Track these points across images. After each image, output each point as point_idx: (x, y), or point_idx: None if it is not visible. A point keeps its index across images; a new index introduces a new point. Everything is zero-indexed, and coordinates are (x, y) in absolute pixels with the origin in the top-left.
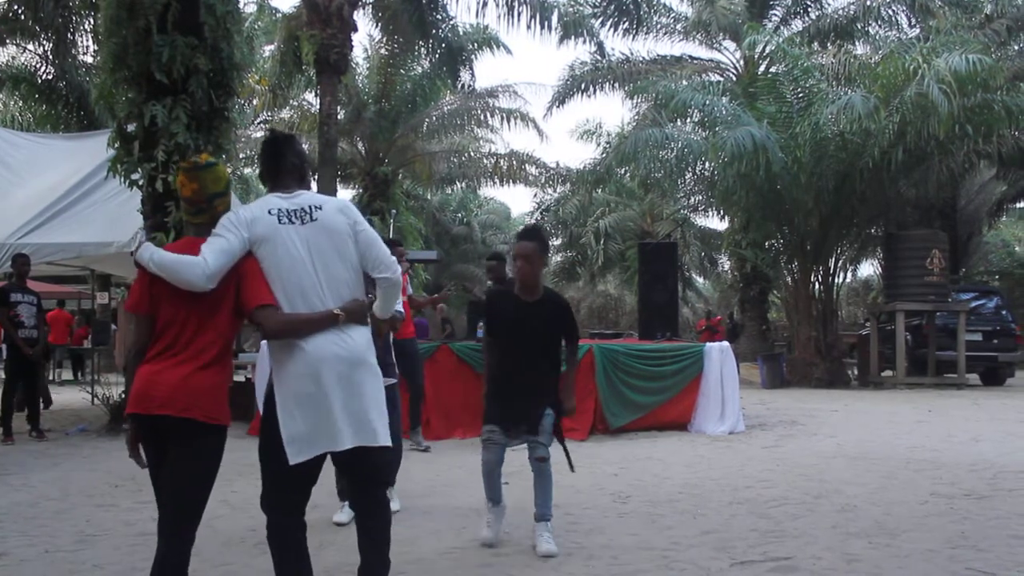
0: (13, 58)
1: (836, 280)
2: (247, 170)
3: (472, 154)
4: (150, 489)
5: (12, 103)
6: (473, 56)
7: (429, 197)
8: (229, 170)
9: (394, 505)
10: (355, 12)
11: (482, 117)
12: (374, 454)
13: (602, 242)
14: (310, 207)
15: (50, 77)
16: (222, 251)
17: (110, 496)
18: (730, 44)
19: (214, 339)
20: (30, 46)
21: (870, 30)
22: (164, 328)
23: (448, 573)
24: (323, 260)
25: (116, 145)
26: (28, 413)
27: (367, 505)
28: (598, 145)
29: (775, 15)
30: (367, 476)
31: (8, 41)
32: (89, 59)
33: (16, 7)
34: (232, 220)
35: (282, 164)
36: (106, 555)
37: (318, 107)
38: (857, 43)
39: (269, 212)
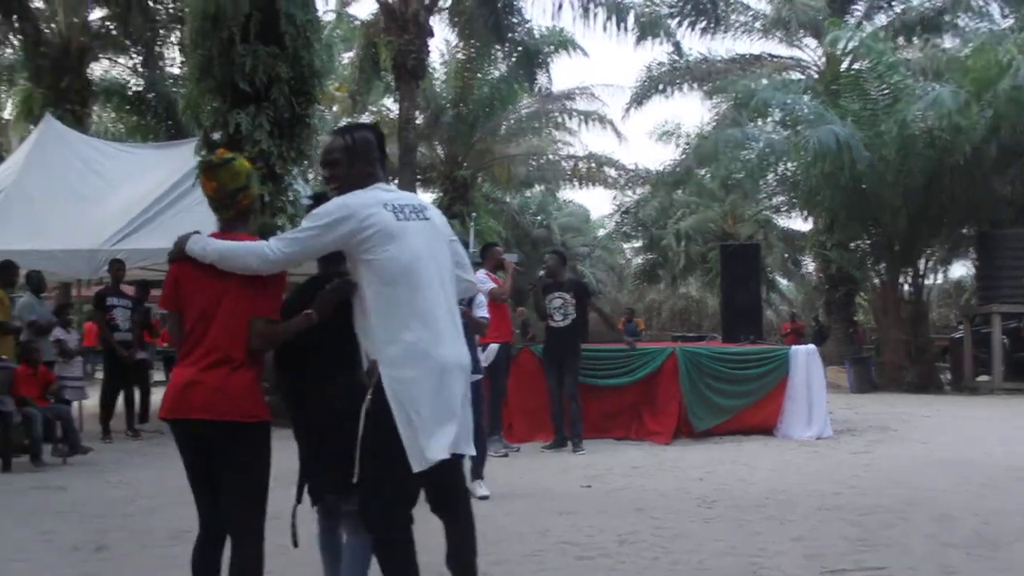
0: (106, 72)
1: (926, 281)
2: None
3: (550, 156)
4: None
5: (105, 115)
6: (549, 59)
7: (508, 200)
8: (311, 175)
9: (484, 491)
10: (432, 17)
11: (560, 119)
12: (463, 461)
13: (683, 244)
14: (419, 206)
15: (140, 89)
16: (295, 240)
17: None
18: (811, 41)
19: (244, 337)
20: (121, 60)
21: (959, 22)
22: (192, 326)
23: None
24: (439, 257)
25: (202, 153)
26: (126, 413)
27: (458, 509)
28: (677, 146)
29: (857, 10)
30: (459, 482)
31: (101, 56)
32: (176, 70)
33: (108, 23)
34: (340, 214)
35: (384, 156)
36: None
37: (397, 112)
38: (945, 36)
39: (385, 207)
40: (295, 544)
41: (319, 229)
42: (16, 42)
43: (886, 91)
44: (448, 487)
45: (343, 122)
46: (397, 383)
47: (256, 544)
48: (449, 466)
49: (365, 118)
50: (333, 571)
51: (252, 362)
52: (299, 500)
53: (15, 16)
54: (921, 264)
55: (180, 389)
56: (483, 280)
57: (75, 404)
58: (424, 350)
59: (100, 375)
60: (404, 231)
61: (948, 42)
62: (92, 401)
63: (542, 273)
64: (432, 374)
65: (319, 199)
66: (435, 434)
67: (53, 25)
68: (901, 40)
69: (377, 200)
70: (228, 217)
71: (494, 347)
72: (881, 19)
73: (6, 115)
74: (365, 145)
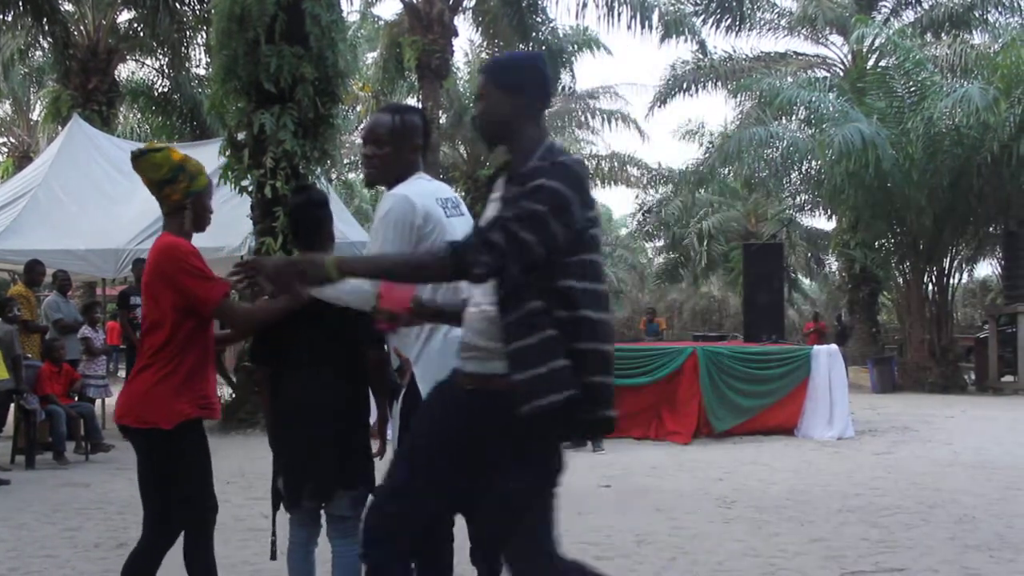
0: (133, 73)
1: (951, 281)
2: (351, 175)
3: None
4: (260, 486)
5: (131, 115)
6: (573, 58)
7: None
8: (334, 175)
9: None
10: (456, 17)
11: (583, 119)
12: None
13: (705, 243)
14: (457, 200)
15: (166, 90)
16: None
17: (221, 492)
18: (837, 38)
19: (152, 343)
20: (148, 61)
21: (989, 18)
22: None
23: None
24: None
25: (227, 153)
26: None
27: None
28: (701, 145)
29: (885, 7)
30: None
31: (128, 57)
32: (202, 71)
33: (136, 25)
34: (406, 211)
35: (427, 144)
36: (219, 549)
37: None
38: (974, 32)
39: (436, 201)
40: (273, 556)
41: (397, 231)
42: (46, 44)
43: (913, 88)
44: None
45: (366, 122)
46: (432, 380)
47: (158, 539)
48: None
49: None
50: None
51: (155, 367)
52: (276, 508)
53: (45, 19)
54: (946, 263)
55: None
56: None
57: (98, 402)
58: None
59: (122, 373)
60: (451, 227)
61: (977, 38)
62: (114, 399)
63: None
64: None
65: (302, 191)
66: None
67: (82, 27)
68: (929, 37)
69: (430, 193)
70: (164, 212)
71: None
72: (909, 15)
73: (35, 116)
74: (412, 129)
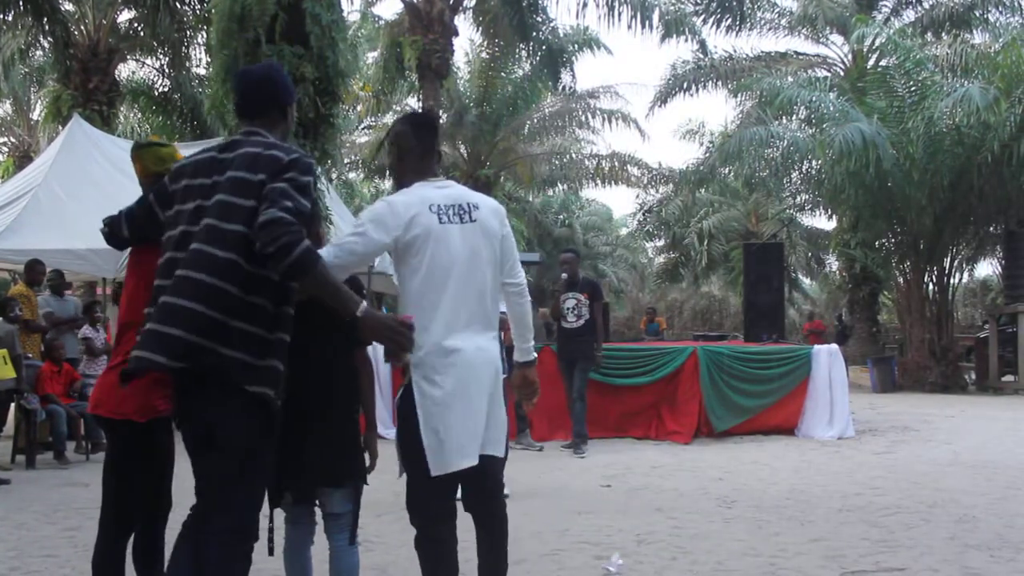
0: (133, 73)
1: (951, 280)
2: (351, 174)
3: (573, 156)
4: None
5: (132, 115)
6: (574, 57)
7: (531, 199)
8: (334, 175)
9: (504, 490)
10: (456, 17)
11: (583, 118)
12: (496, 462)
13: (705, 243)
14: (468, 205)
15: (166, 89)
16: (343, 246)
17: None
18: (837, 38)
19: (131, 338)
20: (148, 61)
21: (989, 17)
22: None
23: (551, 575)
24: (475, 265)
25: None
26: None
27: (488, 512)
28: (701, 144)
29: (885, 6)
30: (490, 485)
31: (129, 57)
32: (202, 71)
33: (136, 25)
34: (384, 215)
35: (435, 146)
36: None
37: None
38: (975, 32)
39: (430, 209)
40: (270, 552)
41: (364, 231)
42: (46, 44)
43: (913, 88)
44: (476, 488)
45: (367, 121)
46: (424, 385)
47: (138, 539)
48: (477, 468)
49: (389, 117)
50: None
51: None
52: (273, 504)
53: (45, 19)
54: (947, 263)
55: None
56: None
57: None
58: (452, 355)
59: None
60: (446, 234)
61: (978, 38)
62: None
63: (564, 276)
64: (459, 379)
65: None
66: (458, 440)
67: (82, 27)
68: (929, 36)
69: (424, 201)
70: None
71: None
72: (909, 15)
73: (35, 116)
74: (402, 137)
